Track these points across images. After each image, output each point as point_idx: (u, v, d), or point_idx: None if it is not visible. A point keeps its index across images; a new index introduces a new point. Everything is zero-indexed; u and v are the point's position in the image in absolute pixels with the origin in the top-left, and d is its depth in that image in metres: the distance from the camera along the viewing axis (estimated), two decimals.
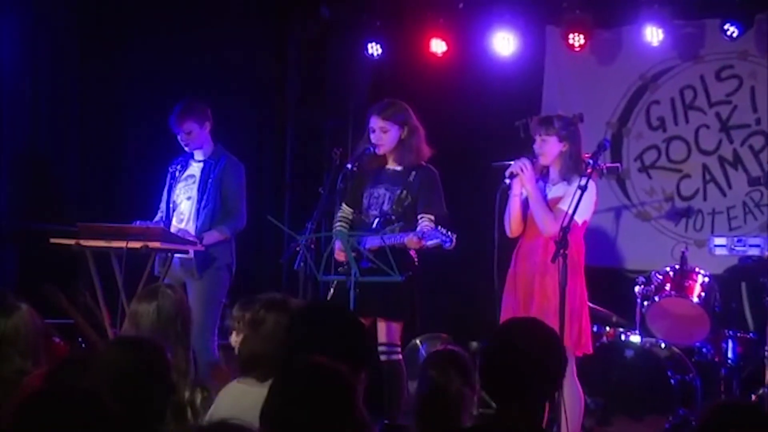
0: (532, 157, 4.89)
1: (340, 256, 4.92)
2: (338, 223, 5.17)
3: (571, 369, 4.63)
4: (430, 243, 4.73)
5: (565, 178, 4.84)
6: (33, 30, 6.33)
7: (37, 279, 5.56)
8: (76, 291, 5.60)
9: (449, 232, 4.67)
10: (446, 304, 7.00)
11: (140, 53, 6.71)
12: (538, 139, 4.88)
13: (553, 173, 4.91)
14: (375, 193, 5.09)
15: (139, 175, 6.55)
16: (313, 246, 4.80)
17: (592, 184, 4.68)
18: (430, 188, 5.04)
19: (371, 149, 5.09)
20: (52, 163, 6.45)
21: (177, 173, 5.67)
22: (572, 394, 4.64)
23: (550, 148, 4.85)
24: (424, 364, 3.50)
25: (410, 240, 4.80)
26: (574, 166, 4.81)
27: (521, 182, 4.86)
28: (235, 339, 3.45)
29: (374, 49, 7.20)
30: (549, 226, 4.75)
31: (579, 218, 4.70)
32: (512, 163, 4.89)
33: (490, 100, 7.09)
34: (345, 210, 5.20)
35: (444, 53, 7.13)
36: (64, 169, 6.54)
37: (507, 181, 4.86)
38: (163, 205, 5.70)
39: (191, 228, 5.51)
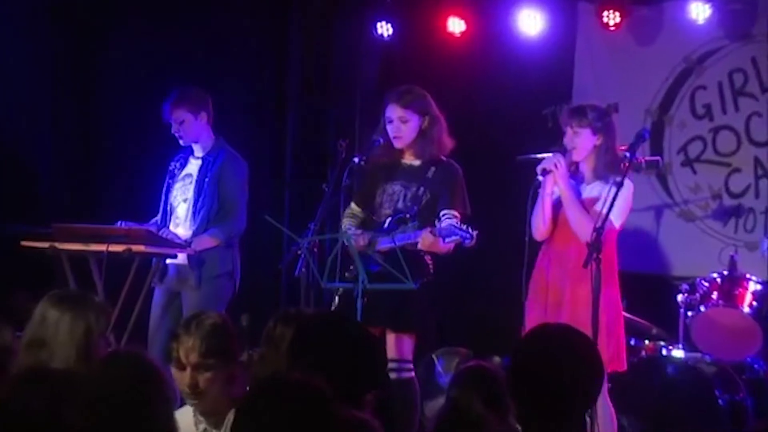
0: (564, 151, 4.73)
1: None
2: (346, 221, 4.99)
3: (604, 386, 4.52)
4: (448, 240, 4.55)
5: (601, 176, 4.69)
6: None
7: (7, 286, 5.32)
8: None
9: (470, 229, 4.53)
10: (466, 314, 6.85)
11: (124, 36, 6.53)
12: (569, 131, 4.72)
13: (587, 171, 4.75)
14: (389, 190, 4.93)
15: (121, 171, 6.41)
16: (316, 249, 4.63)
17: (628, 183, 4.55)
18: (453, 185, 4.88)
19: (381, 141, 4.92)
20: (22, 159, 6.23)
21: (176, 171, 5.53)
22: (604, 414, 4.53)
23: (583, 141, 4.69)
24: (449, 382, 3.53)
25: (424, 238, 4.62)
26: (610, 163, 4.66)
27: (554, 180, 4.69)
28: (186, 375, 3.07)
29: (384, 29, 7.06)
30: (586, 230, 4.50)
31: (615, 220, 4.57)
32: (541, 156, 4.73)
33: (515, 85, 6.86)
34: (354, 209, 5.03)
35: (463, 33, 6.96)
36: (35, 165, 6.34)
37: (540, 178, 4.69)
38: (164, 207, 5.57)
39: (187, 233, 5.34)
